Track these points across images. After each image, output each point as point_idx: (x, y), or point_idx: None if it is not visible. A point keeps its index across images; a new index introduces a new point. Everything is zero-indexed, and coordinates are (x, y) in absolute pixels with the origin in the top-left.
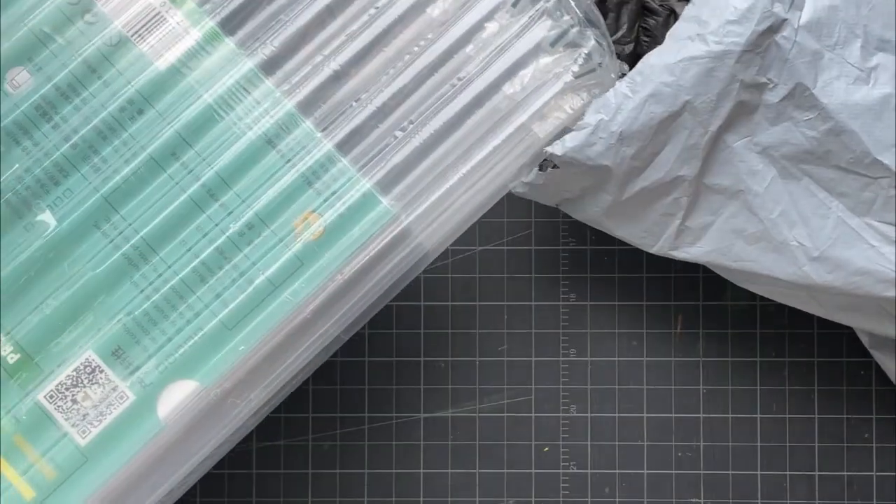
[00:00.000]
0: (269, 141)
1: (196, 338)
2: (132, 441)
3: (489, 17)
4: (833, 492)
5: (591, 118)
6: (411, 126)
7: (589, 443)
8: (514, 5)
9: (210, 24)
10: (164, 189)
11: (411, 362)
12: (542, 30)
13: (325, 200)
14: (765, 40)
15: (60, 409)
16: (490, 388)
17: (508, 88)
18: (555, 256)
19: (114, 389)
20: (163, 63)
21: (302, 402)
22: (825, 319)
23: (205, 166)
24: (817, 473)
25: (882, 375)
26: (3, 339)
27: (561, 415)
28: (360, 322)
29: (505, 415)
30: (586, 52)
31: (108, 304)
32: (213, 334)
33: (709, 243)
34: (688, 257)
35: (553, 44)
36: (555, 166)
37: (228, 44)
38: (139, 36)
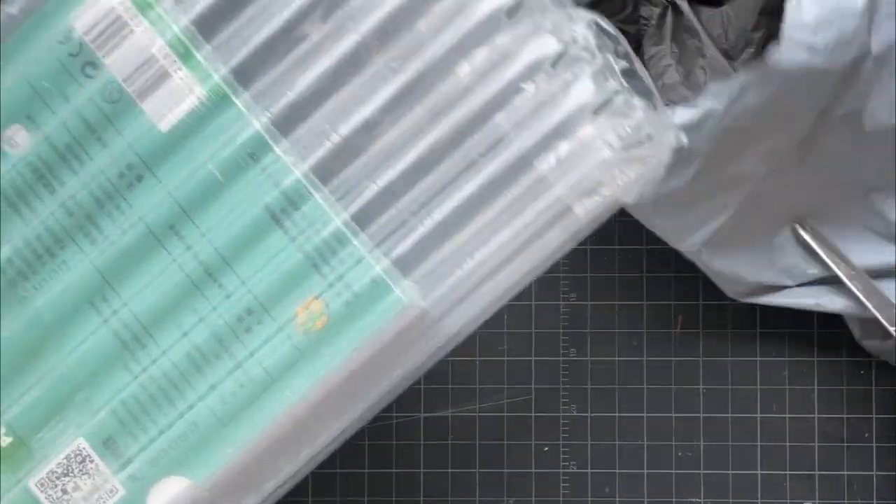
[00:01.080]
0: (273, 216)
1: (189, 432)
2: None
3: (524, 78)
4: (833, 492)
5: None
6: (432, 202)
7: (589, 443)
8: (552, 65)
9: (217, 81)
10: (161, 266)
11: None
12: (585, 95)
13: (330, 285)
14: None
15: (50, 499)
16: (490, 388)
17: (544, 160)
18: None
19: (105, 481)
20: (165, 124)
21: None
22: (825, 319)
23: (205, 243)
24: (817, 473)
25: (882, 375)
26: None
27: (561, 415)
28: (370, 413)
29: (505, 415)
30: (633, 123)
31: (100, 388)
32: (207, 429)
33: None
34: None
35: (596, 111)
36: None
37: (235, 104)
38: (142, 93)
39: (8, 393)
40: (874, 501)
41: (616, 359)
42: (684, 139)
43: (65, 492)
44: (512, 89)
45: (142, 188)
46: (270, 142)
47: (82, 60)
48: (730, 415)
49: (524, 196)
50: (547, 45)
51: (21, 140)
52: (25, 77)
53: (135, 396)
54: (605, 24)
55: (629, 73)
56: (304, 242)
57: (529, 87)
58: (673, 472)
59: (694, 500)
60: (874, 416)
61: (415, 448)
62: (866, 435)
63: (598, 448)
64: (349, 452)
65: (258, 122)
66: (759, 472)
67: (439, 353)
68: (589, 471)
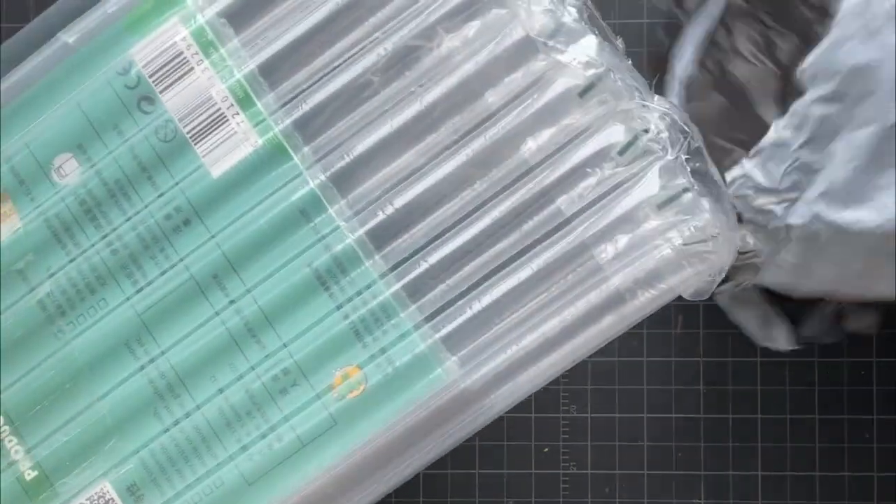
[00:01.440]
0: (320, 278)
1: (215, 489)
2: None
3: (591, 163)
4: (833, 492)
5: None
6: (485, 283)
7: (589, 443)
8: (620, 153)
9: (275, 133)
10: (202, 317)
11: None
12: (651, 188)
13: (371, 357)
14: None
15: None
16: None
17: (603, 250)
18: None
19: None
20: (217, 170)
21: None
22: None
23: (248, 299)
24: (817, 473)
25: (882, 375)
26: (23, 455)
27: (561, 415)
28: (396, 483)
29: (505, 415)
30: (699, 223)
31: (130, 435)
32: (233, 487)
33: None
34: None
35: (661, 206)
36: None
37: (293, 158)
38: (196, 135)
39: (37, 430)
40: (874, 502)
41: (616, 359)
42: (750, 241)
43: None
44: (577, 174)
45: (188, 233)
46: (325, 202)
47: (139, 94)
48: (730, 415)
49: (579, 284)
50: (617, 133)
51: (70, 170)
52: (79, 105)
53: (164, 447)
54: (679, 118)
55: (700, 172)
56: (350, 310)
57: (595, 174)
58: (673, 472)
59: (694, 500)
60: (874, 416)
61: None
62: (866, 435)
63: (598, 448)
64: None
65: (314, 181)
66: (759, 472)
67: (474, 429)
68: (589, 471)
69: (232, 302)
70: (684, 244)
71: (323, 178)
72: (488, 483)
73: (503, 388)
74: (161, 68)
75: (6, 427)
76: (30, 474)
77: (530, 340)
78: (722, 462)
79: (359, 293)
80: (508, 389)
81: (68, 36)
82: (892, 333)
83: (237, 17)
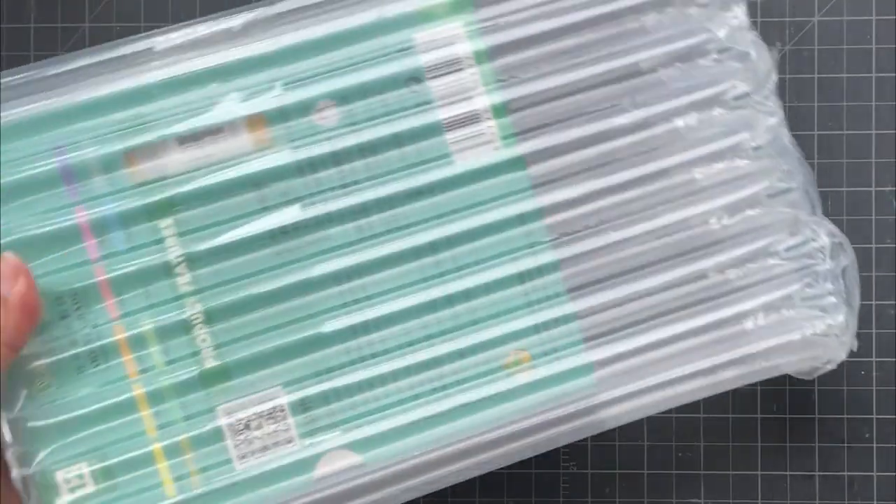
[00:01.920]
0: (521, 276)
1: (380, 422)
2: (281, 490)
3: (760, 254)
4: (833, 492)
5: None
6: (647, 322)
7: (589, 443)
8: (787, 250)
9: (518, 150)
10: (409, 277)
11: None
12: (802, 286)
13: (543, 352)
14: None
15: (232, 430)
16: None
17: (747, 322)
18: None
19: (286, 433)
20: (459, 159)
21: None
22: None
23: (455, 275)
24: (817, 473)
25: (882, 375)
26: (211, 349)
27: None
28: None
29: None
30: (831, 324)
31: (315, 357)
32: (396, 426)
33: None
34: None
35: (804, 300)
36: None
37: (526, 174)
38: (451, 126)
39: (230, 332)
40: (874, 502)
41: None
42: (856, 345)
43: (247, 426)
44: (745, 257)
45: (420, 205)
46: (543, 218)
47: (410, 73)
48: (730, 415)
49: (718, 343)
50: (789, 238)
51: (330, 115)
52: (352, 60)
53: (346, 376)
54: (844, 241)
55: (846, 284)
56: (537, 308)
57: (760, 261)
58: (673, 472)
59: (694, 500)
60: (874, 416)
61: None
62: (866, 435)
63: (598, 448)
64: None
65: (539, 199)
66: (759, 472)
67: (577, 437)
68: (589, 471)
69: (441, 274)
70: (814, 334)
71: (547, 198)
72: (488, 483)
73: (624, 405)
74: (437, 58)
75: (202, 325)
76: (211, 363)
77: (666, 377)
78: (722, 462)
79: (548, 298)
80: (628, 409)
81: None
82: (892, 334)
83: (508, 47)
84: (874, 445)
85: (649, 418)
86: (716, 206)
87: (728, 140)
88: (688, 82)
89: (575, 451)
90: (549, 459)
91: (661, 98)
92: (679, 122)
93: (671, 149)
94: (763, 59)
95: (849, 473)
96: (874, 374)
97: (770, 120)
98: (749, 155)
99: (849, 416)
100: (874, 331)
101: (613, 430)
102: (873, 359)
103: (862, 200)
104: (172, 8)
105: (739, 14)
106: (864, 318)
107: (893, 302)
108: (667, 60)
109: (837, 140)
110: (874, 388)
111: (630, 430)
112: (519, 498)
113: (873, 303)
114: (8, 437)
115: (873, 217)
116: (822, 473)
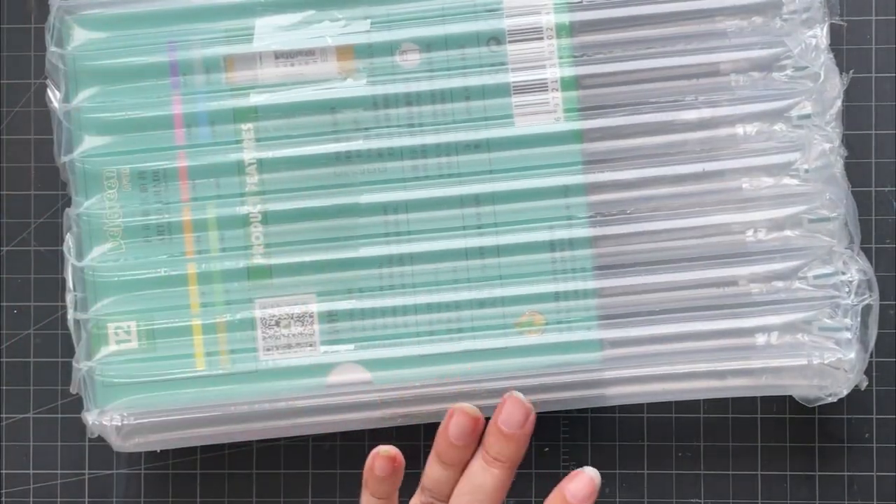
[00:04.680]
0: (552, 244)
1: (395, 347)
2: (294, 386)
3: (788, 274)
4: (833, 492)
5: None
6: (665, 314)
7: (589, 443)
8: (816, 277)
9: (577, 125)
10: (449, 222)
11: None
12: (822, 315)
13: (557, 320)
14: None
15: (264, 323)
16: None
17: (762, 338)
18: None
19: (310, 337)
20: (520, 126)
21: None
22: None
23: (492, 231)
24: (817, 473)
25: (882, 375)
26: (262, 248)
27: (561, 415)
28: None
29: None
30: (841, 357)
31: (350, 275)
32: (408, 355)
33: None
34: None
35: (822, 329)
36: None
37: (580, 147)
38: (519, 90)
39: (282, 237)
40: (874, 502)
41: None
42: (865, 383)
43: (277, 323)
44: (773, 275)
45: (474, 158)
46: (586, 194)
47: (492, 33)
48: (730, 415)
49: (727, 351)
50: (821, 266)
51: (412, 58)
52: (441, 9)
53: (376, 299)
54: (873, 280)
55: (864, 326)
56: (560, 276)
57: (785, 283)
58: (673, 472)
59: (694, 500)
60: (874, 416)
61: (415, 448)
62: (866, 435)
63: (598, 448)
64: (349, 452)
65: (587, 176)
66: (759, 472)
67: (583, 405)
68: None
69: (479, 226)
70: (823, 363)
71: (595, 175)
72: None
73: (626, 388)
74: (521, 23)
75: (258, 223)
76: (258, 261)
77: (671, 369)
78: (722, 462)
79: (573, 270)
80: (629, 391)
81: None
82: (892, 334)
83: (590, 25)
84: (874, 445)
85: (649, 418)
86: (756, 218)
87: (782, 157)
88: (756, 92)
89: (575, 451)
90: (549, 459)
91: (728, 102)
92: (739, 130)
93: (725, 153)
94: (832, 84)
95: (849, 473)
96: (874, 374)
97: (825, 146)
98: (799, 176)
99: (849, 416)
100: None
101: (613, 429)
102: (874, 359)
103: (862, 200)
104: None
105: (820, 35)
106: None
107: (893, 302)
108: (742, 67)
109: None
110: (874, 388)
111: (630, 430)
112: (519, 497)
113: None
114: (70, 282)
115: (873, 217)
116: (822, 473)
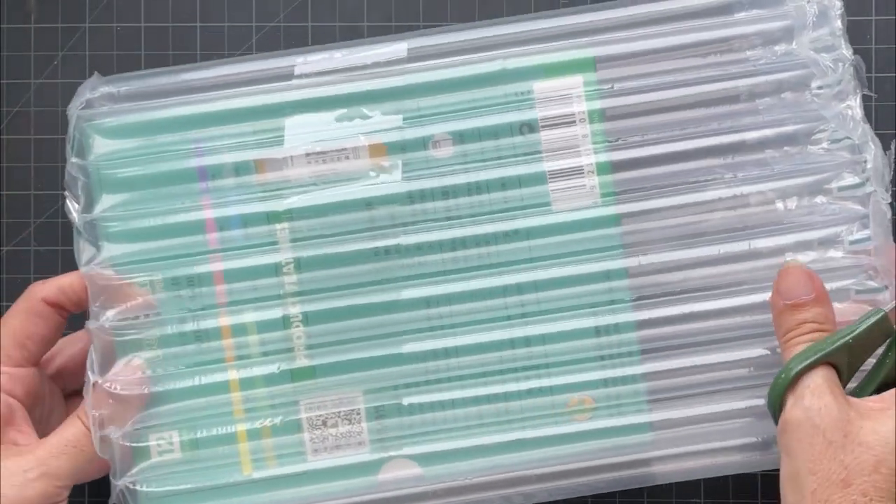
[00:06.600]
0: (597, 330)
1: (445, 440)
2: (345, 486)
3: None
4: None
5: None
6: (712, 394)
7: None
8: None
9: (615, 209)
10: (493, 313)
11: None
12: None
13: (608, 405)
14: None
15: (311, 424)
16: None
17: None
18: None
19: (358, 435)
20: (558, 212)
21: None
22: None
23: (536, 318)
24: None
25: None
26: (303, 348)
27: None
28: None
29: None
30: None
31: (396, 371)
32: (459, 448)
33: None
34: None
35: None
36: None
37: (617, 233)
38: (555, 176)
39: (324, 336)
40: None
41: None
42: None
43: (324, 423)
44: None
45: (514, 246)
46: (627, 278)
47: (524, 121)
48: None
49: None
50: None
51: (444, 147)
52: (472, 101)
53: (418, 393)
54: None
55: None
56: (608, 364)
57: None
58: None
59: (694, 500)
60: None
61: None
62: None
63: None
64: None
65: (627, 259)
66: (759, 472)
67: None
68: None
69: (523, 315)
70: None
71: (637, 260)
72: None
73: (669, 465)
74: (553, 112)
75: (300, 324)
76: (301, 362)
77: (715, 444)
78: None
79: (620, 356)
80: (672, 470)
81: (501, 56)
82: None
83: (622, 111)
84: None
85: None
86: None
87: (825, 231)
88: (793, 166)
89: None
90: None
91: (763, 178)
92: (779, 205)
93: (766, 230)
94: (878, 155)
95: None
96: None
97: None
98: (844, 248)
99: None
100: None
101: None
102: (874, 359)
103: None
104: (173, 9)
105: (854, 105)
106: None
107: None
108: (776, 142)
109: None
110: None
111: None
112: None
113: None
114: (89, 400)
115: None
116: None
